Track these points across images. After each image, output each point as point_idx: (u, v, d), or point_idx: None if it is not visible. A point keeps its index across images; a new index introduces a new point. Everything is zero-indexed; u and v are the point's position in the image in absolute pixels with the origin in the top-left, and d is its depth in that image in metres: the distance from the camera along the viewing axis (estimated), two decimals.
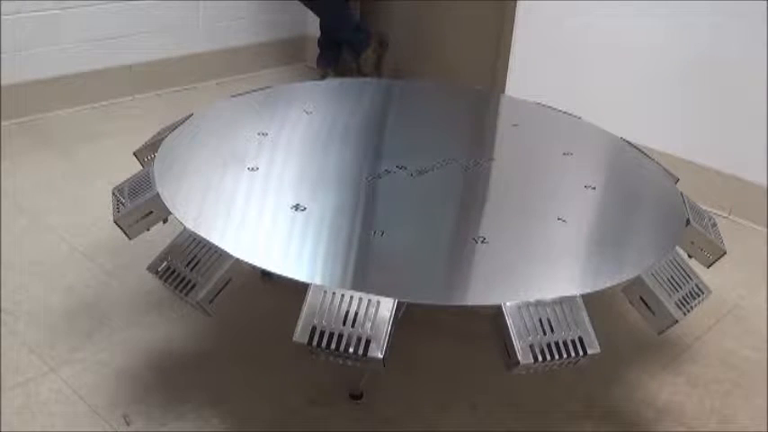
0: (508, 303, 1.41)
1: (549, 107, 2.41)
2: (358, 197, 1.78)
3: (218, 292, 1.49)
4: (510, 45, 3.30)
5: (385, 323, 1.37)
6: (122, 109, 3.35)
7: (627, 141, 2.20)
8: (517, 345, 1.37)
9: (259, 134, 2.02)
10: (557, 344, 1.40)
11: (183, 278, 1.52)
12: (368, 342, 1.36)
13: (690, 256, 1.80)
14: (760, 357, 2.07)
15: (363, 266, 1.57)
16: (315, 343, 1.36)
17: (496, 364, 1.45)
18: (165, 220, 1.71)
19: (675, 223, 1.78)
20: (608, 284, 1.52)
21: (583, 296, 1.46)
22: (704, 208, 1.99)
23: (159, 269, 1.56)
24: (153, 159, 1.85)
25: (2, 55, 3.02)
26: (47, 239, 2.34)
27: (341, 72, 3.74)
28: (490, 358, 1.58)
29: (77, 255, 2.28)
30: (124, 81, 3.41)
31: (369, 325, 1.37)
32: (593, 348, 1.41)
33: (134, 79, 3.44)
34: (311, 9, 3.66)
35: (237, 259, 1.48)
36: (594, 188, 1.89)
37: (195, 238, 1.54)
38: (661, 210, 1.87)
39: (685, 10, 2.75)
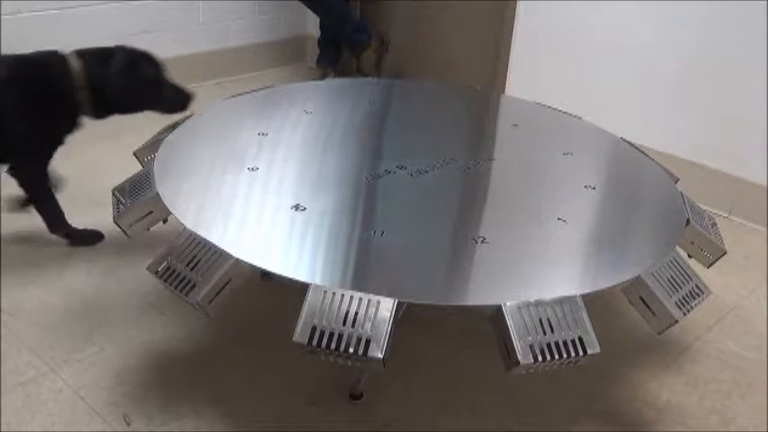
0: (508, 303, 1.41)
1: (549, 107, 2.41)
2: (358, 197, 1.78)
3: (219, 292, 1.49)
4: (510, 45, 3.30)
5: (385, 323, 1.37)
6: None
7: (627, 141, 2.20)
8: (517, 345, 1.38)
9: (259, 134, 2.02)
10: (557, 344, 1.40)
11: (183, 278, 1.52)
12: (368, 342, 1.36)
13: (690, 256, 1.80)
14: (760, 357, 2.07)
15: (363, 266, 1.57)
16: (315, 343, 1.36)
17: (496, 365, 1.45)
18: (165, 220, 1.71)
19: (675, 223, 1.78)
20: (608, 284, 1.52)
21: (583, 296, 1.46)
22: (704, 208, 1.99)
23: (159, 269, 1.56)
24: (153, 159, 1.85)
25: None
26: (47, 239, 2.34)
27: (341, 72, 3.74)
28: (490, 358, 1.58)
29: (77, 255, 2.28)
30: None
31: (369, 325, 1.37)
32: (593, 348, 1.41)
33: None
34: (311, 9, 3.66)
35: (237, 259, 1.49)
36: (594, 188, 1.89)
37: (195, 238, 1.54)
38: (661, 210, 1.87)
39: (685, 10, 2.75)
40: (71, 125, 2.14)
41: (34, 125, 2.08)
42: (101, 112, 2.13)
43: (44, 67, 2.07)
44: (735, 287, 2.37)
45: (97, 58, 2.08)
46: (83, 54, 2.09)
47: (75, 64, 2.06)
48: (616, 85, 3.01)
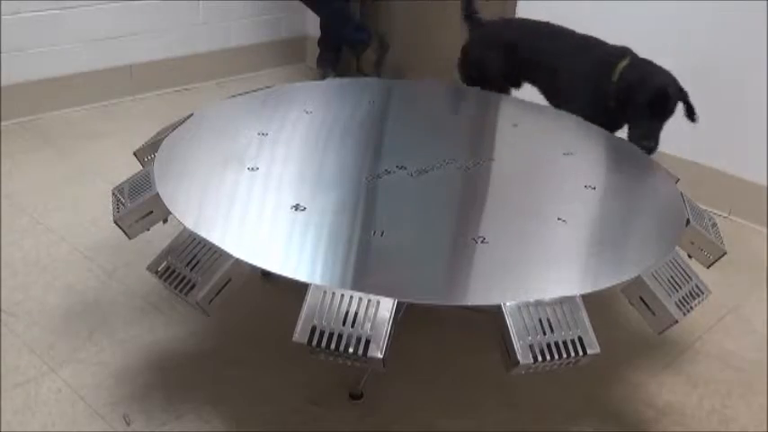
0: (508, 303, 1.41)
1: (549, 107, 2.41)
2: (358, 197, 1.78)
3: (218, 292, 1.49)
4: None
5: (385, 323, 1.37)
6: (122, 109, 3.35)
7: (627, 141, 2.20)
8: (517, 345, 1.37)
9: (259, 134, 2.02)
10: (556, 344, 1.40)
11: (183, 278, 1.52)
12: (368, 342, 1.36)
13: (690, 256, 1.80)
14: (760, 357, 2.07)
15: (363, 266, 1.57)
16: (315, 343, 1.36)
17: (496, 365, 1.45)
18: (165, 220, 1.71)
19: (675, 223, 1.78)
20: (608, 284, 1.52)
21: (583, 296, 1.46)
22: (704, 208, 1.99)
23: (159, 269, 1.56)
24: (153, 159, 1.85)
25: (2, 55, 3.02)
26: (47, 239, 2.34)
27: (341, 72, 3.74)
28: (490, 358, 1.58)
29: (77, 255, 2.28)
30: (124, 81, 3.41)
31: (369, 325, 1.37)
32: (593, 348, 1.41)
33: (134, 79, 3.44)
34: (311, 9, 3.66)
35: (237, 259, 1.48)
36: (594, 188, 1.89)
37: (195, 238, 1.54)
38: (661, 210, 1.87)
39: (685, 10, 2.75)
40: (602, 110, 2.29)
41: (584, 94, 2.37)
42: (621, 113, 2.27)
43: (607, 54, 2.35)
44: (735, 287, 2.37)
45: (638, 70, 2.25)
46: (636, 60, 2.29)
47: (622, 63, 2.27)
48: None
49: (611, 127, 2.28)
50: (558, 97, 2.47)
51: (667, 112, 2.23)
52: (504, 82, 2.67)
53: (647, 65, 2.28)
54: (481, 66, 2.65)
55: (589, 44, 2.44)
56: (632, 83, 2.21)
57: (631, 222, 1.82)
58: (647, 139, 2.20)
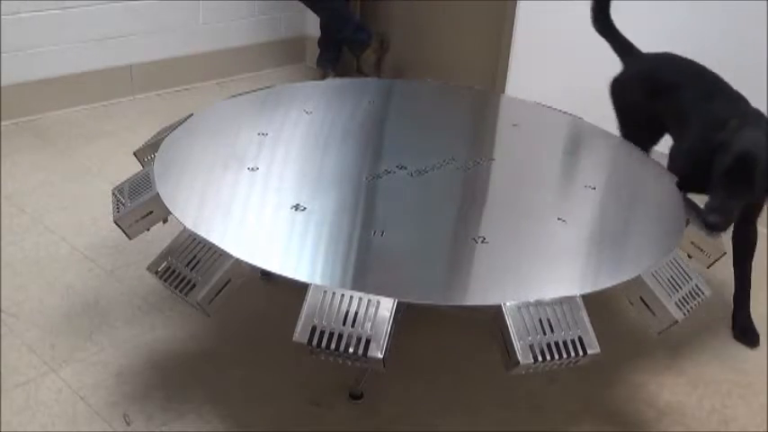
0: (508, 303, 1.41)
1: (549, 107, 2.41)
2: (358, 197, 1.78)
3: (218, 292, 1.49)
4: (510, 45, 3.30)
5: (385, 323, 1.37)
6: (122, 109, 3.35)
7: (627, 141, 2.20)
8: (517, 345, 1.38)
9: (259, 134, 2.02)
10: (556, 344, 1.40)
11: (183, 278, 1.52)
12: (368, 342, 1.36)
13: (690, 256, 1.80)
14: (760, 357, 2.07)
15: (363, 266, 1.57)
16: (315, 343, 1.36)
17: (496, 364, 1.45)
18: (165, 220, 1.72)
19: (675, 223, 1.78)
20: (608, 284, 1.52)
21: (583, 296, 1.46)
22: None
23: (159, 269, 1.56)
24: (153, 159, 1.85)
25: (2, 55, 3.02)
26: (47, 239, 2.34)
27: (341, 72, 3.74)
28: (490, 358, 1.58)
29: (77, 255, 2.28)
30: (124, 81, 3.41)
31: (369, 325, 1.37)
32: (593, 348, 1.41)
33: (134, 79, 3.44)
34: (311, 9, 3.66)
35: (237, 259, 1.49)
36: (594, 188, 1.89)
37: (195, 238, 1.54)
38: (661, 210, 1.87)
39: (685, 10, 2.75)
40: (706, 168, 1.89)
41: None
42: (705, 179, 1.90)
43: (731, 107, 2.04)
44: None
45: (736, 132, 1.86)
46: (750, 122, 1.92)
47: (734, 120, 1.91)
48: None
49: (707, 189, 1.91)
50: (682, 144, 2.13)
51: (746, 187, 1.83)
52: (643, 125, 2.28)
53: (754, 131, 1.87)
54: (626, 105, 2.33)
55: (722, 92, 2.12)
56: (722, 143, 1.85)
57: (631, 222, 1.82)
58: (715, 212, 1.81)
